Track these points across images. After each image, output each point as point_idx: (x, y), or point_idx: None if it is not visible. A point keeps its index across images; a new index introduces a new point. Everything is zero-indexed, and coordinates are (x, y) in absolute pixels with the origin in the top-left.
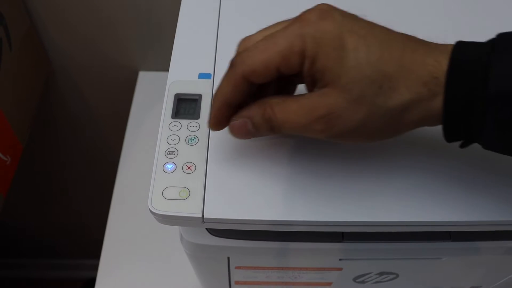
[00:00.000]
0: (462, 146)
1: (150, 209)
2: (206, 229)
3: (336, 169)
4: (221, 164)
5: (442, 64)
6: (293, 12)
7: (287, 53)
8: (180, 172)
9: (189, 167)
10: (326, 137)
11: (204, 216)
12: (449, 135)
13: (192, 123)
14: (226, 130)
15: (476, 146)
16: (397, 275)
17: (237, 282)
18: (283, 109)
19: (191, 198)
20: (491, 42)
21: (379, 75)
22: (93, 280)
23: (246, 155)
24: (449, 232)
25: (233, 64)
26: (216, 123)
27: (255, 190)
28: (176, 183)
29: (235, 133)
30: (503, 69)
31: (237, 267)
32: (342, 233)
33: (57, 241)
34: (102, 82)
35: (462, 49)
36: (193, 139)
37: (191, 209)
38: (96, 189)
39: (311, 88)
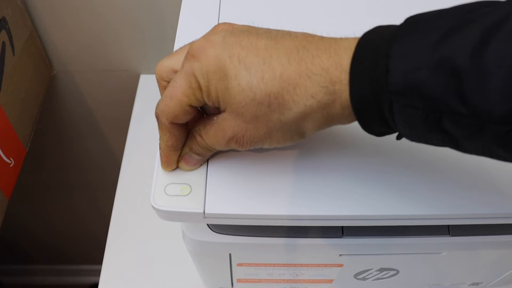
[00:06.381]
0: (397, 138)
1: (152, 206)
2: (208, 226)
3: (336, 164)
4: (222, 160)
5: (342, 64)
6: (292, 12)
7: (190, 91)
8: None
9: None
10: (247, 149)
11: (206, 212)
12: (370, 131)
13: None
14: None
15: None
16: (397, 271)
17: (239, 280)
18: (206, 134)
19: (193, 194)
20: (396, 30)
21: (263, 96)
22: (96, 286)
23: (246, 151)
24: (448, 226)
25: (157, 116)
26: (168, 166)
27: (256, 186)
28: (177, 180)
29: (188, 166)
30: (400, 63)
31: (239, 264)
32: (342, 228)
33: (59, 246)
34: (104, 85)
35: (365, 42)
36: None
37: (192, 205)
38: (98, 192)
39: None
